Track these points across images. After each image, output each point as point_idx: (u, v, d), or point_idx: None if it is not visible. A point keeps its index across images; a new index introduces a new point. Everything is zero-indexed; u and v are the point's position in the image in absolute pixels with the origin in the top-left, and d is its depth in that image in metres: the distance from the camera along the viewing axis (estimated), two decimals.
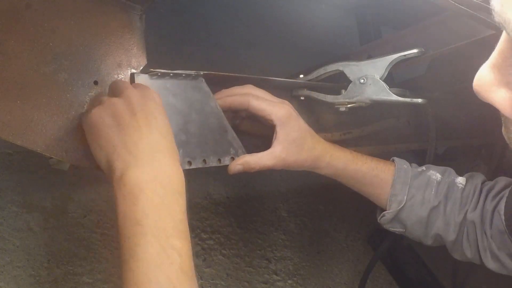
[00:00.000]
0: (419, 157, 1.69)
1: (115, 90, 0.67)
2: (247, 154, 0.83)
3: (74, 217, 1.09)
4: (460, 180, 0.90)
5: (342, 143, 1.07)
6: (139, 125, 0.60)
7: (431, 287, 1.59)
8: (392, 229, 0.93)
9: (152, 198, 0.55)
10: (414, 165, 0.94)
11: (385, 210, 0.90)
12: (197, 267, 1.23)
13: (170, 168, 0.60)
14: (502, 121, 0.50)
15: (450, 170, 0.92)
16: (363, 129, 1.11)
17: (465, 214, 0.87)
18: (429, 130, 1.13)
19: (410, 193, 0.88)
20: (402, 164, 0.92)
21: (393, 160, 0.93)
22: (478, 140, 1.47)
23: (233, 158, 0.84)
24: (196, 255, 1.24)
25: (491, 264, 0.84)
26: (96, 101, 0.66)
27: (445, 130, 1.26)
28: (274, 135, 0.84)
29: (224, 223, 1.32)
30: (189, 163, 0.78)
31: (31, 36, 0.64)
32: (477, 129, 1.41)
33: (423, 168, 0.93)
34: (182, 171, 0.62)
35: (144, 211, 0.53)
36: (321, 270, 1.51)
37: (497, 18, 0.39)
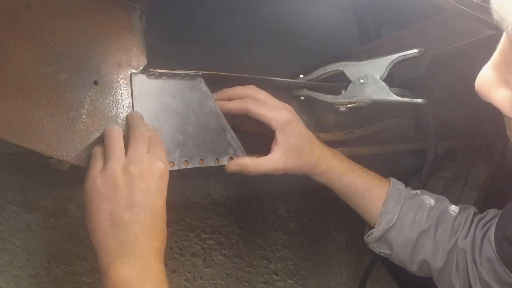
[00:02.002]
0: (419, 157, 1.69)
1: (130, 140, 0.67)
2: (247, 157, 0.83)
3: (74, 217, 1.09)
4: (453, 208, 0.89)
5: (344, 143, 1.07)
6: (134, 221, 0.62)
7: (431, 287, 1.59)
8: (378, 249, 0.92)
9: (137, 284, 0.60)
10: (409, 188, 0.93)
11: (374, 228, 0.89)
12: (197, 267, 1.23)
13: (156, 265, 0.63)
14: (505, 122, 0.50)
15: (444, 198, 0.92)
16: (365, 128, 1.11)
17: (456, 242, 0.85)
18: (429, 130, 1.13)
19: (401, 213, 0.87)
20: (397, 184, 0.91)
21: (389, 179, 0.93)
22: (478, 140, 1.47)
23: (231, 158, 0.84)
24: (196, 255, 1.24)
25: None
26: (99, 159, 0.66)
27: (445, 130, 1.26)
28: (274, 140, 0.84)
29: (224, 223, 1.32)
30: (186, 162, 0.78)
31: (31, 36, 0.64)
32: (477, 129, 1.41)
33: (418, 192, 0.92)
34: (163, 264, 0.65)
35: None
36: (321, 270, 1.51)
37: (495, 16, 0.39)
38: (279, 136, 0.83)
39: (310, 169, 0.87)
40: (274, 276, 1.39)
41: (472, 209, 0.90)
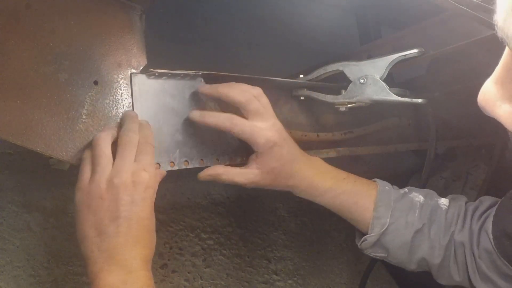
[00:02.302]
0: (419, 157, 1.69)
1: (118, 147, 0.68)
2: (221, 166, 0.81)
3: (74, 217, 1.09)
4: (443, 201, 0.88)
5: (343, 142, 1.07)
6: (118, 232, 0.63)
7: (431, 287, 1.59)
8: (374, 254, 0.90)
9: None
10: (395, 187, 0.91)
11: (366, 235, 0.87)
12: (197, 267, 1.23)
13: (141, 271, 0.64)
14: (510, 137, 0.50)
15: (433, 192, 0.91)
16: (364, 128, 1.11)
17: (451, 235, 0.84)
18: (429, 130, 1.13)
19: (393, 216, 0.86)
20: (384, 186, 0.89)
21: (375, 181, 0.91)
22: (478, 140, 1.47)
23: (231, 158, 0.84)
24: (196, 255, 1.24)
25: (482, 286, 0.81)
26: (88, 167, 0.67)
27: (445, 130, 1.26)
28: (254, 155, 0.82)
29: (224, 223, 1.32)
30: (186, 162, 0.78)
31: (31, 36, 0.64)
32: (477, 129, 1.41)
33: (406, 190, 0.90)
34: (150, 270, 0.67)
35: None
36: (321, 270, 1.51)
37: (499, 34, 0.39)
38: (259, 157, 0.80)
39: (287, 188, 0.86)
40: (274, 276, 1.39)
41: (462, 200, 0.89)
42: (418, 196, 0.88)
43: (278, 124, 0.82)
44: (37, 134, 0.64)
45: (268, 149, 0.79)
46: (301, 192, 0.87)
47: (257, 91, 0.80)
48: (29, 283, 1.00)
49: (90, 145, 0.69)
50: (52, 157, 0.67)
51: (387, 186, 0.90)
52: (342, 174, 0.89)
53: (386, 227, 0.85)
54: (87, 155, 0.68)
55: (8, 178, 1.00)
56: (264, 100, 0.81)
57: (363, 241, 0.88)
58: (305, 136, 0.99)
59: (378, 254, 0.90)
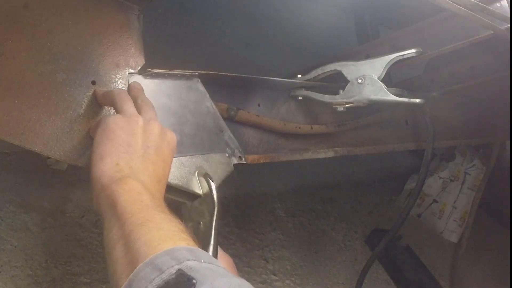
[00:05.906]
0: (417, 157, 1.69)
1: (141, 107, 0.68)
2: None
3: (72, 217, 1.08)
4: None
5: (338, 135, 1.06)
6: (146, 158, 0.64)
7: (428, 287, 1.59)
8: None
9: (149, 195, 0.61)
10: None
11: None
12: None
13: (161, 200, 0.63)
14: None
15: None
16: (357, 121, 1.10)
17: None
18: (426, 130, 1.13)
19: None
20: None
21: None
22: (476, 140, 1.47)
23: (229, 158, 0.84)
24: None
25: None
26: (120, 106, 0.67)
27: (443, 130, 1.27)
28: None
29: (222, 223, 1.32)
30: None
31: (29, 36, 0.64)
32: (475, 129, 1.41)
33: None
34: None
35: (147, 199, 0.59)
36: (319, 270, 1.51)
37: None
38: None
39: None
40: (272, 276, 1.40)
41: None
42: None
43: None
44: (35, 134, 0.64)
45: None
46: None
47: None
48: (27, 283, 1.00)
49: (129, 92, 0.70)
50: (50, 157, 0.67)
51: None
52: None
53: None
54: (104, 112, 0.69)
55: (6, 178, 1.00)
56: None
57: None
58: (299, 128, 0.98)
59: None
